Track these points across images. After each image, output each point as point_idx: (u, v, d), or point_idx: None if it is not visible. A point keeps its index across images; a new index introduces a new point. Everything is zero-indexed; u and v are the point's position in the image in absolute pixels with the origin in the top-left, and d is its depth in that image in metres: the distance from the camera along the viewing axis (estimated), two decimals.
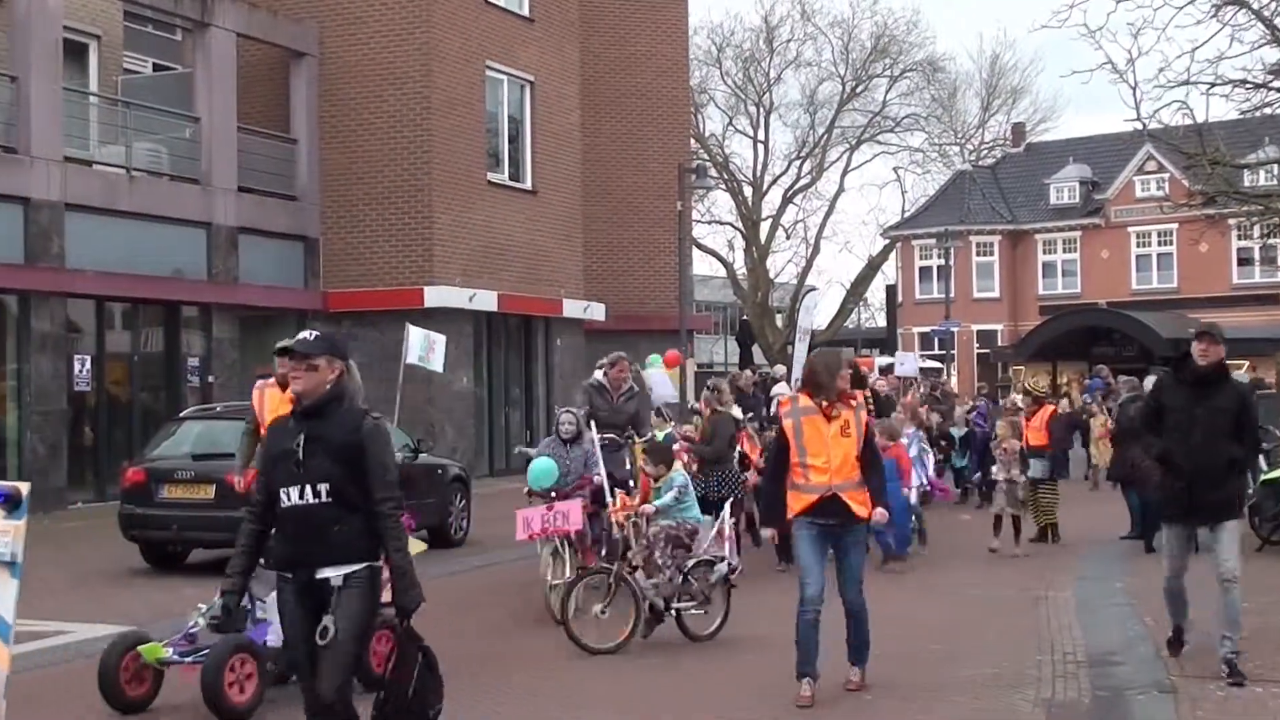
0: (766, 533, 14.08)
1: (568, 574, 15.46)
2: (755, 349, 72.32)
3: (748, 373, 35.65)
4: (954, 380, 58.87)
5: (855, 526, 11.85)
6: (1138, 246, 72.30)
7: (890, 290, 72.28)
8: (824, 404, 11.71)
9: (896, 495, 18.81)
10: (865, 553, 12.74)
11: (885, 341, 68.58)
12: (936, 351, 68.20)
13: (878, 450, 12.55)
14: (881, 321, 77.42)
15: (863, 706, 11.84)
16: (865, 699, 12.09)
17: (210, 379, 32.30)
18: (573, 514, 15.73)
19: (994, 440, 24.37)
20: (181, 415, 23.99)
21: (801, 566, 11.86)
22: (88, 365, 29.82)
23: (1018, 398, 30.52)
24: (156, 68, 37.97)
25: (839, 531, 11.78)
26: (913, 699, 12.16)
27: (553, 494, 16.28)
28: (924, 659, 13.90)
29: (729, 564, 14.71)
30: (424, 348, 26.74)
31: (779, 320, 75.90)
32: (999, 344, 73.95)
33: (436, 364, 27.70)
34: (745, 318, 74.38)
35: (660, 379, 28.83)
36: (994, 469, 23.23)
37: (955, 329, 63.48)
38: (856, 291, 79.07)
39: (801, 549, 11.84)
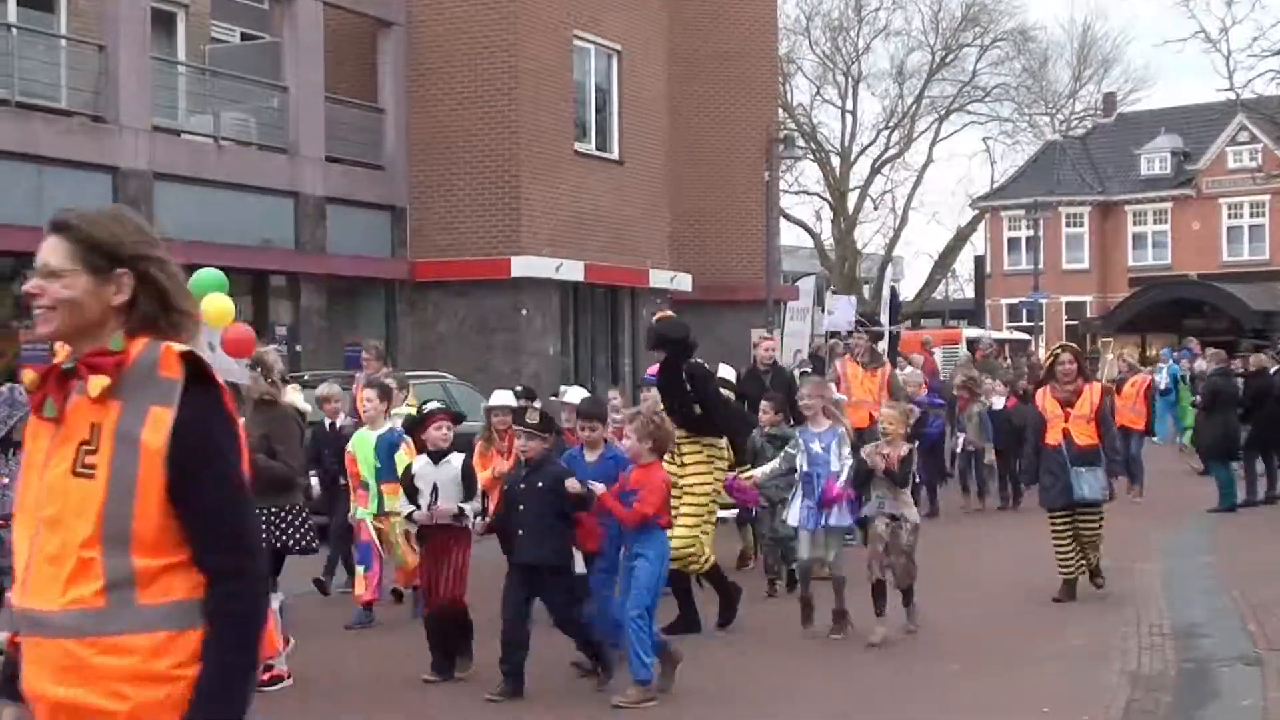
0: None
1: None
2: None
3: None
4: (1042, 352, 58.53)
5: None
6: (1229, 218, 71.69)
7: (978, 261, 71.93)
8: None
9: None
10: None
11: (974, 313, 68.28)
12: (1024, 323, 67.88)
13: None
14: (969, 293, 77.06)
15: (950, 676, 11.82)
16: (952, 668, 12.07)
17: (298, 348, 32.44)
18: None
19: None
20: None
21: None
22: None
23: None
24: (244, 37, 38.08)
25: None
26: (1000, 669, 12.13)
27: None
28: (1011, 629, 13.88)
29: None
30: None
31: (866, 291, 75.65)
32: (1088, 316, 73.49)
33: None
34: (833, 289, 74.21)
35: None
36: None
37: (1044, 300, 63.11)
38: (944, 263, 78.81)
39: None
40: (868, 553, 13.91)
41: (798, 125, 71.25)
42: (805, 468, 13.95)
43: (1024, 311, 67.93)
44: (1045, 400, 15.91)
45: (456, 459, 12.37)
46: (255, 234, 31.96)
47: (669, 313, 14.75)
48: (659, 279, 39.96)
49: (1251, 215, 70.99)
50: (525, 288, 34.63)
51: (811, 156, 73.52)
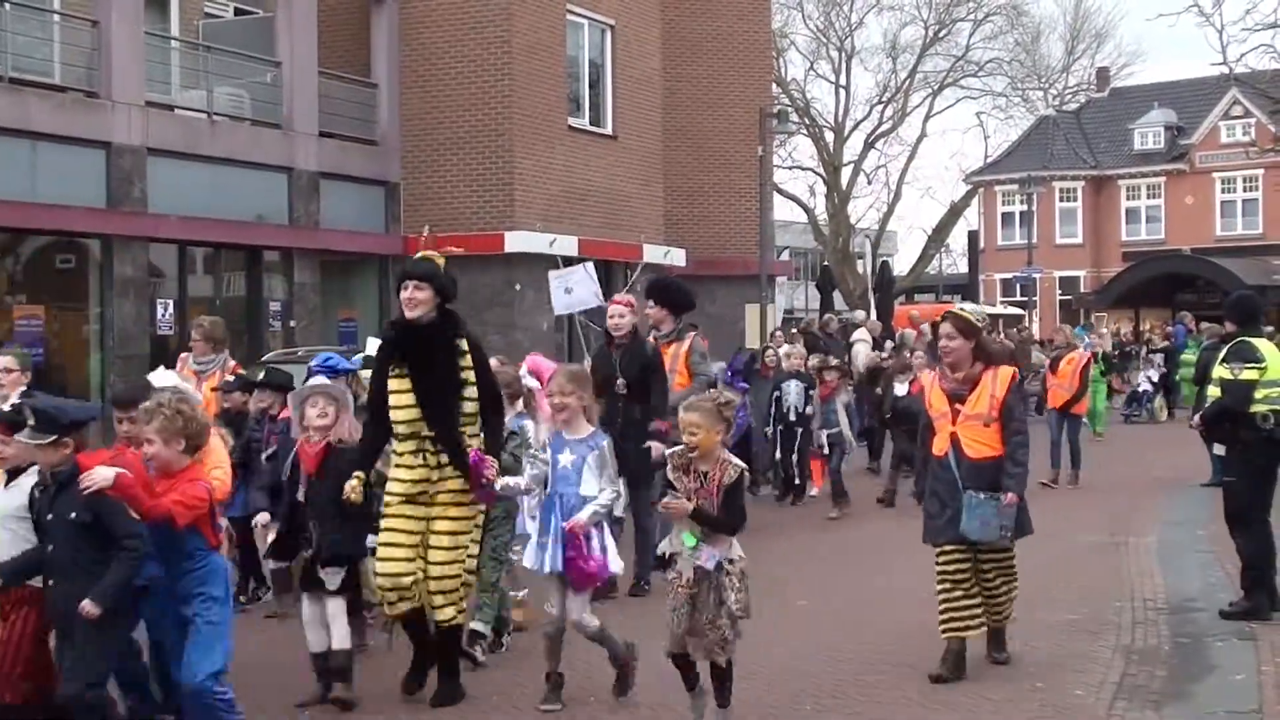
0: None
1: None
2: (836, 295, 72.20)
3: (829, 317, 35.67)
4: (1035, 327, 58.60)
5: None
6: (1223, 192, 71.78)
7: (972, 236, 71.83)
8: None
9: None
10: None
11: (967, 288, 68.22)
12: (1018, 298, 67.90)
13: None
14: (963, 267, 76.93)
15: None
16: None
17: (292, 323, 32.43)
18: None
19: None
20: (264, 359, 24.09)
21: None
22: (170, 310, 29.98)
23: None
24: (238, 12, 37.97)
25: None
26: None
27: None
28: None
29: None
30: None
31: (860, 266, 75.56)
32: (1081, 290, 73.58)
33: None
34: (826, 263, 74.09)
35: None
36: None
37: (1037, 275, 63.14)
38: (938, 237, 78.63)
39: None
40: (666, 616, 9.65)
41: (791, 100, 71.03)
42: (549, 488, 10.65)
43: (1017, 286, 67.98)
44: (930, 392, 11.70)
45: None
46: (249, 209, 31.93)
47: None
48: (653, 254, 39.94)
49: (1245, 189, 71.10)
50: (519, 263, 34.62)
51: (805, 131, 73.31)
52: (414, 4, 35.86)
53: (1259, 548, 13.00)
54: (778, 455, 22.35)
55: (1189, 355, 36.99)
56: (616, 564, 10.89)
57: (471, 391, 10.70)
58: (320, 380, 12.12)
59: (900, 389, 23.13)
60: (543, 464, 10.66)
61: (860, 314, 41.76)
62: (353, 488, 10.47)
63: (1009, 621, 11.83)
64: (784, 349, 24.38)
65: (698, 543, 9.41)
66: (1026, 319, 54.02)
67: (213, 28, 35.43)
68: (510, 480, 10.86)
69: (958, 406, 11.33)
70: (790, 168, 76.28)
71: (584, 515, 10.32)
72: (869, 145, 76.01)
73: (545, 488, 10.64)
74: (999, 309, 58.87)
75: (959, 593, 11.42)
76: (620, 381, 14.92)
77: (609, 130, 38.96)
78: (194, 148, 30.49)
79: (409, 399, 10.61)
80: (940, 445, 11.44)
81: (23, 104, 27.16)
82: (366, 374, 12.50)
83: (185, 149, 30.27)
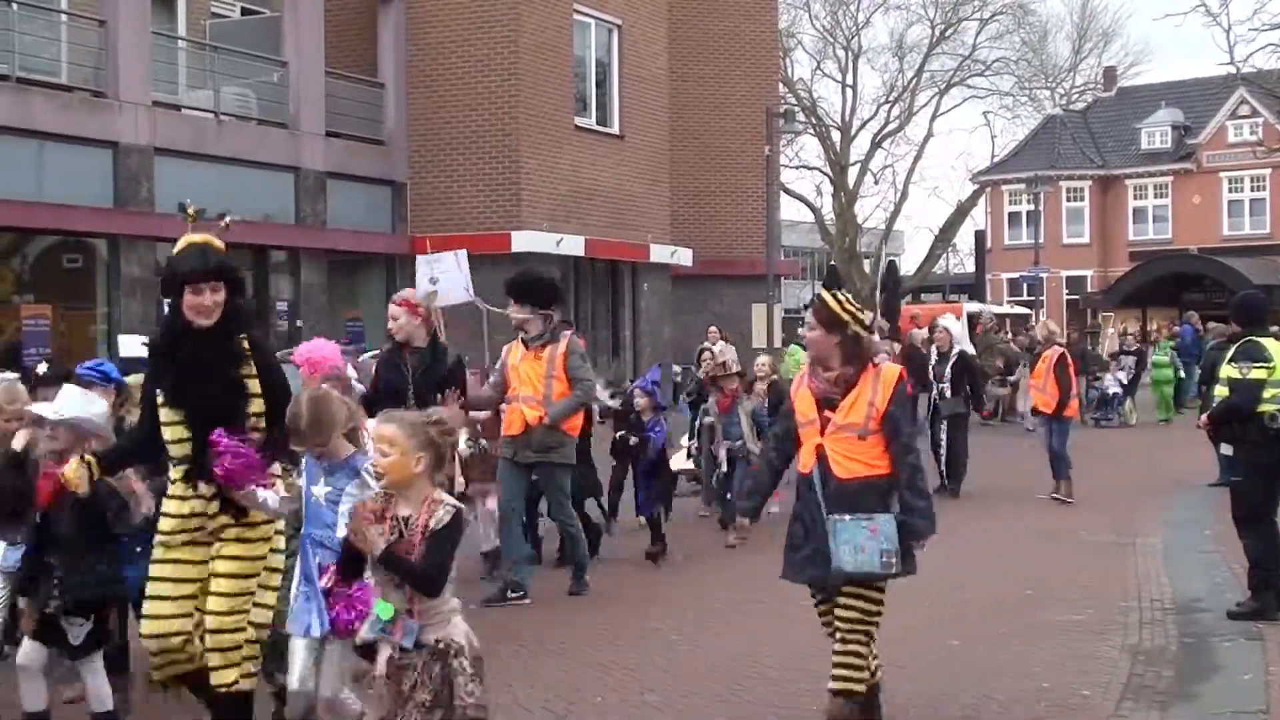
0: None
1: None
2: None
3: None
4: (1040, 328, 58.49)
5: None
6: (1230, 192, 71.71)
7: (979, 236, 71.82)
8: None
9: None
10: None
11: (974, 287, 68.18)
12: (1025, 298, 67.84)
13: None
14: (970, 267, 76.90)
15: (950, 652, 11.82)
16: (952, 644, 12.08)
17: (299, 323, 32.44)
18: None
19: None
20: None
21: None
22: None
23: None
24: (244, 12, 38.00)
25: None
26: (999, 644, 12.14)
27: None
28: (1011, 604, 13.88)
29: None
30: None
31: (866, 265, 75.55)
32: (1088, 290, 73.50)
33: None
34: (833, 263, 74.03)
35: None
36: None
37: (1044, 275, 63.07)
38: (945, 237, 78.60)
39: None
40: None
41: (798, 100, 71.01)
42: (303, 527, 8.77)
43: (1024, 286, 67.86)
44: (796, 395, 9.48)
45: None
46: (256, 209, 31.89)
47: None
48: (660, 254, 39.97)
49: (1252, 189, 71.03)
50: (526, 262, 34.45)
51: (812, 131, 73.33)
52: (421, 4, 35.88)
53: (1267, 548, 12.97)
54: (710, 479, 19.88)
55: (1161, 357, 36.97)
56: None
57: (257, 405, 8.56)
58: (72, 392, 9.69)
59: None
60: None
61: (868, 315, 41.79)
62: (73, 469, 8.65)
63: (861, 686, 9.27)
64: (718, 346, 22.35)
65: (394, 615, 6.71)
66: (1033, 318, 53.90)
67: (219, 27, 35.46)
68: (264, 494, 8.36)
69: (828, 414, 9.18)
70: (797, 167, 76.33)
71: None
72: (876, 145, 76.02)
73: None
74: (1006, 308, 58.78)
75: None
76: (410, 395, 12.49)
77: (616, 130, 38.97)
78: (201, 147, 30.53)
79: (179, 415, 8.52)
80: (805, 460, 9.29)
81: (29, 104, 27.20)
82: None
83: (192, 149, 30.32)
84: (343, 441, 8.58)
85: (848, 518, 8.94)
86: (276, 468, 8.53)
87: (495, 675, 8.72)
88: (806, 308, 9.22)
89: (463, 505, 7.00)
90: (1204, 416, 13.74)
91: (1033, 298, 65.24)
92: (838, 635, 9.21)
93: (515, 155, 35.16)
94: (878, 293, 32.60)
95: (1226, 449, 13.38)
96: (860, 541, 8.92)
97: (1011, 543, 18.11)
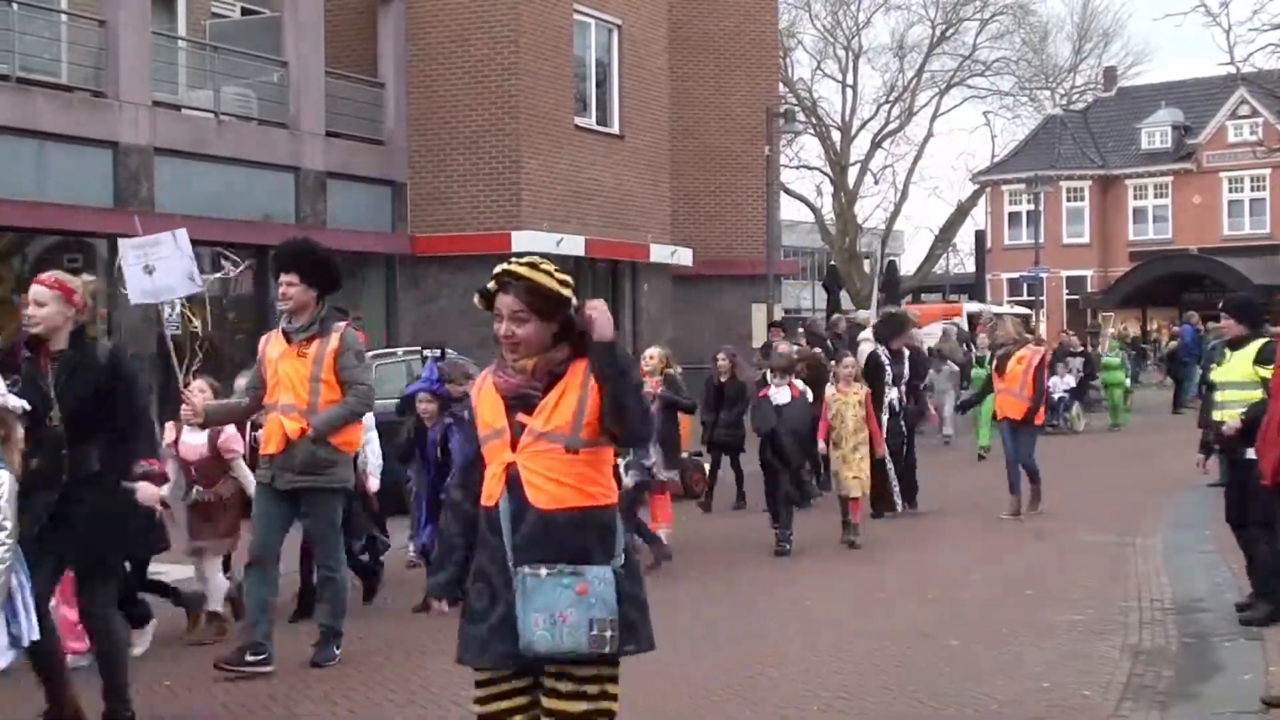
0: None
1: None
2: (843, 294, 72.15)
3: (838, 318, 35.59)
4: (1043, 326, 58.56)
5: None
6: (1230, 192, 71.80)
7: (979, 236, 71.83)
8: None
9: None
10: None
11: (974, 287, 68.19)
12: (1025, 298, 67.86)
13: None
14: (970, 267, 76.87)
15: (950, 652, 11.83)
16: (952, 644, 12.09)
17: None
18: None
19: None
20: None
21: None
22: (177, 309, 29.94)
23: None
24: (244, 12, 37.97)
25: None
26: (999, 644, 12.15)
27: None
28: (1011, 604, 13.89)
29: None
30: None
31: (866, 266, 75.51)
32: (1088, 290, 73.57)
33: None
34: (833, 263, 74.01)
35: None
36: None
37: (1044, 275, 63.11)
38: (945, 237, 78.57)
39: None
40: None
41: (798, 99, 71.00)
42: None
43: (1024, 286, 67.91)
44: (478, 399, 6.78)
45: None
46: (256, 209, 31.93)
47: None
48: (660, 253, 39.96)
49: (1252, 189, 71.13)
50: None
51: (812, 131, 73.31)
52: (421, 3, 35.88)
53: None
54: None
55: (1113, 359, 36.62)
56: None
57: None
58: None
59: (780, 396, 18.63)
60: None
61: (864, 314, 41.75)
62: None
63: None
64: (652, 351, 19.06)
65: None
66: (1034, 318, 53.89)
67: (220, 27, 35.47)
68: None
69: (521, 418, 6.53)
70: (797, 167, 76.31)
71: None
72: (876, 145, 76.00)
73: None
74: (1006, 308, 58.77)
75: None
76: (55, 415, 9.36)
77: (616, 130, 38.96)
78: (201, 147, 30.52)
79: None
80: (490, 488, 6.55)
81: (30, 104, 27.18)
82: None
83: (192, 149, 30.31)
84: None
85: (544, 571, 6.30)
86: None
87: None
88: (487, 292, 5.77)
89: None
90: (1236, 419, 13.00)
91: (1033, 298, 65.28)
92: None
93: (515, 155, 35.16)
94: (877, 292, 32.39)
95: (1251, 453, 12.84)
96: (560, 607, 6.28)
97: (1012, 543, 18.13)
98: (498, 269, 6.68)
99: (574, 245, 36.02)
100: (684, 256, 41.48)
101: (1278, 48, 47.18)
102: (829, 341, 29.68)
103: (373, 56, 36.14)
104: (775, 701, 10.48)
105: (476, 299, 6.74)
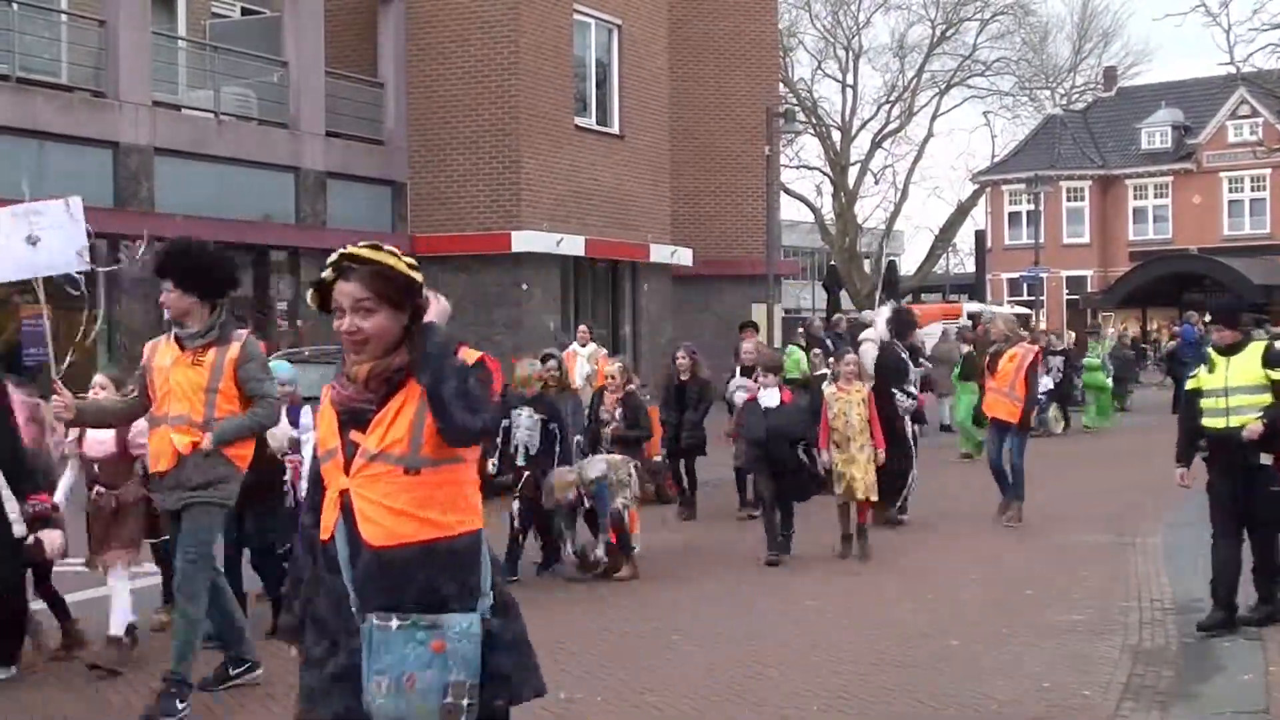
0: None
1: None
2: (843, 294, 72.16)
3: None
4: (1043, 327, 58.55)
5: None
6: (1230, 192, 71.82)
7: (979, 236, 71.89)
8: None
9: None
10: None
11: (974, 287, 68.25)
12: (1025, 297, 67.86)
13: None
14: (970, 267, 76.96)
15: (950, 652, 11.82)
16: (951, 644, 12.07)
17: (299, 323, 32.44)
18: None
19: None
20: (272, 358, 24.13)
21: None
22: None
23: None
24: (244, 12, 38.01)
25: None
26: (999, 644, 12.13)
27: None
28: (1011, 604, 13.87)
29: None
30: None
31: (866, 265, 75.56)
32: (1088, 290, 73.57)
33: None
34: (833, 263, 74.05)
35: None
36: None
37: (1044, 275, 63.14)
38: (945, 237, 78.64)
39: None
40: None
41: (798, 100, 71.04)
42: None
43: (1024, 286, 67.97)
44: (320, 417, 5.86)
45: None
46: (256, 209, 31.96)
47: None
48: (660, 253, 39.95)
49: (1252, 189, 71.15)
50: (526, 262, 34.64)
51: (812, 131, 73.37)
52: (421, 4, 35.88)
53: None
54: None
55: (1093, 360, 36.37)
56: None
57: None
58: None
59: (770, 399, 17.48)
60: None
61: (868, 314, 41.75)
62: None
63: None
64: (587, 350, 19.19)
65: None
66: (1034, 318, 53.92)
67: (220, 28, 35.49)
68: None
69: (355, 437, 5.61)
70: (797, 167, 76.40)
71: None
72: (876, 145, 76.08)
73: None
74: (1006, 308, 58.78)
75: None
76: None
77: (616, 130, 38.96)
78: (201, 147, 30.54)
79: None
80: (326, 518, 5.65)
81: (30, 104, 27.20)
82: None
83: (192, 149, 30.33)
84: None
85: (394, 623, 5.36)
86: None
87: None
88: (322, 284, 5.42)
89: None
90: (1258, 423, 12.67)
91: (1033, 298, 65.30)
92: None
93: (515, 155, 35.15)
94: (878, 292, 32.34)
95: (1266, 458, 12.55)
96: (409, 668, 5.33)
97: (1012, 543, 18.10)
98: (334, 255, 5.79)
99: (574, 245, 36.03)
100: (684, 256, 41.48)
101: (1278, 48, 47.30)
102: (829, 341, 29.66)
103: (373, 56, 36.14)
104: (775, 701, 10.46)
105: (310, 295, 5.85)
